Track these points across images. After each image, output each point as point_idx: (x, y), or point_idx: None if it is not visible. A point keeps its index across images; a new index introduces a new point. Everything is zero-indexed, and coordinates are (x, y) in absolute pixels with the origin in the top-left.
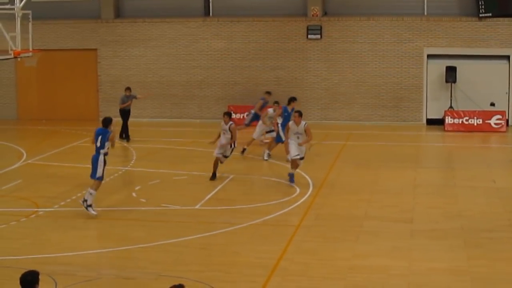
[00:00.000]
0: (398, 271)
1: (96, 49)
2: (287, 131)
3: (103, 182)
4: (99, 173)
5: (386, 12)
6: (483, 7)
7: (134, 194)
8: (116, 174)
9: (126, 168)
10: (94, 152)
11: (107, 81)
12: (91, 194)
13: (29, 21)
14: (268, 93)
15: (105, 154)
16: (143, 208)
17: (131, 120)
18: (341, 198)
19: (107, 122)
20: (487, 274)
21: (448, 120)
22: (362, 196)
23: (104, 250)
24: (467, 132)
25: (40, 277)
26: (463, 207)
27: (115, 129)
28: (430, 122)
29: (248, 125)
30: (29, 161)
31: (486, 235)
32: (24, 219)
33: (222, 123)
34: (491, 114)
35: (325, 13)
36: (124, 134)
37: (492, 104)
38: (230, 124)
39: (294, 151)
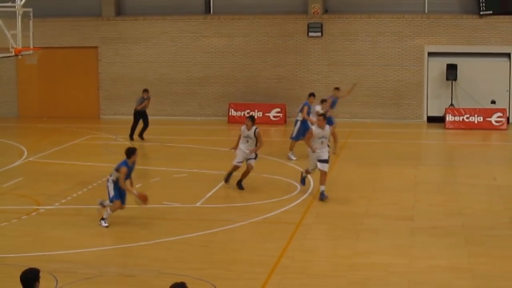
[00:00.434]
0: (399, 268)
1: (97, 47)
2: (308, 139)
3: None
4: (110, 194)
5: (387, 9)
6: (483, 4)
7: (134, 192)
8: None
9: None
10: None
11: (107, 78)
12: (108, 212)
13: (30, 19)
14: (313, 95)
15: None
16: (143, 206)
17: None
18: (342, 196)
19: (129, 153)
20: (488, 272)
21: (449, 117)
22: (363, 194)
23: (105, 247)
24: (467, 130)
25: (40, 274)
26: (464, 204)
27: (121, 174)
28: (431, 119)
29: (297, 139)
30: (30, 159)
31: (487, 233)
32: (25, 216)
33: (243, 128)
34: (491, 112)
35: (326, 11)
36: (131, 132)
37: (493, 102)
38: (256, 129)
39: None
